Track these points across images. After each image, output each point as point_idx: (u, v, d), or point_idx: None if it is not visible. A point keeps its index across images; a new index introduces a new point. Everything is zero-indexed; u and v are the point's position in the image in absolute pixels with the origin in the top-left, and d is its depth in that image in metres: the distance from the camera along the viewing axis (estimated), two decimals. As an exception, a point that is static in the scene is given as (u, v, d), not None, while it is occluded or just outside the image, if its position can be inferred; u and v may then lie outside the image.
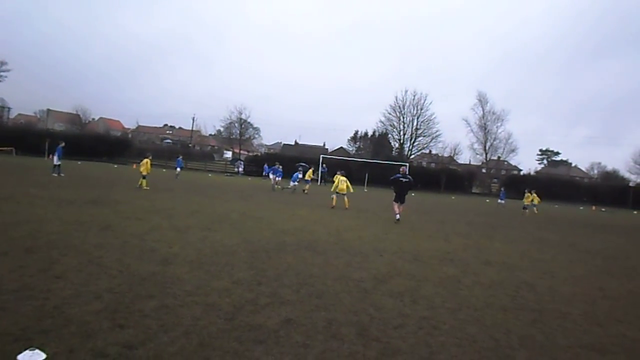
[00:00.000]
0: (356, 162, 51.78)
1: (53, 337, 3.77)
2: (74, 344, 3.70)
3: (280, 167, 29.99)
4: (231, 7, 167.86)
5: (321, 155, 47.73)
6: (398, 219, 15.41)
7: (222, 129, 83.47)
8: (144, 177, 20.56)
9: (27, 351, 3.40)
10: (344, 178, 20.10)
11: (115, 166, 40.89)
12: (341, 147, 78.96)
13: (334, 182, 20.41)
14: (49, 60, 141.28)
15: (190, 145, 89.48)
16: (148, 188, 19.87)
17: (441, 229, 14.70)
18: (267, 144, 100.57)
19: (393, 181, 16.23)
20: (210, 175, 46.21)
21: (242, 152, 77.15)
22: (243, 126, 77.60)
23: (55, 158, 23.28)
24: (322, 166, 44.95)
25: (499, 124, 67.15)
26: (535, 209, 30.32)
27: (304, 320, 4.78)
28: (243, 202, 18.31)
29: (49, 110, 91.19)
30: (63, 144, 24.41)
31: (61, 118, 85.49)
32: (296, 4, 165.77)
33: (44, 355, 3.38)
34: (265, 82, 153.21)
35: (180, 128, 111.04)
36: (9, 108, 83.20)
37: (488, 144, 67.43)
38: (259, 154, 73.18)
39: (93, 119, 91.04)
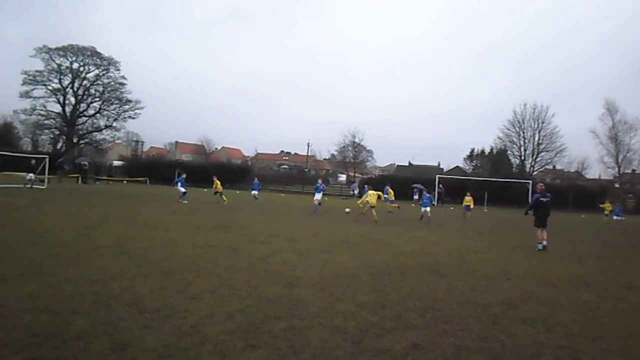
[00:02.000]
0: (474, 181, 50.04)
1: (192, 355, 3.98)
2: (212, 362, 3.88)
3: (322, 183, 27.93)
4: (348, 34, 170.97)
5: (437, 176, 46.72)
6: (544, 247, 12.92)
7: (336, 153, 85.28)
8: (219, 194, 26.23)
9: (171, 368, 3.60)
10: (373, 192, 21.10)
11: (238, 192, 42.95)
12: (457, 166, 77.11)
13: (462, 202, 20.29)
14: (176, 96, 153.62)
15: (305, 169, 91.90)
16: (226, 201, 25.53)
17: (572, 250, 13.67)
18: (381, 165, 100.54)
19: (535, 203, 13.69)
20: (326, 198, 47.02)
21: (356, 174, 77.79)
22: (356, 149, 78.50)
23: (180, 187, 25.23)
24: (438, 186, 43.98)
25: (632, 134, 61.11)
26: (611, 219, 27.11)
27: (431, 345, 4.63)
28: (360, 224, 18.34)
29: (177, 142, 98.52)
30: (184, 175, 26.57)
31: (188, 149, 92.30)
32: (409, 25, 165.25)
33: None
34: (379, 104, 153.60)
35: (295, 154, 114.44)
36: (142, 142, 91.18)
37: (620, 156, 61.69)
38: (373, 176, 73.23)
39: (216, 148, 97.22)
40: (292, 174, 79.20)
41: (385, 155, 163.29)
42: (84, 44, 63.01)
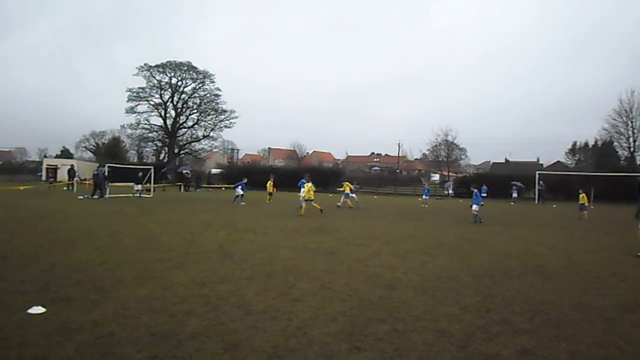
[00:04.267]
0: (578, 176, 47.08)
1: (299, 356, 4.09)
2: (319, 364, 3.95)
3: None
4: (441, 33, 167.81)
5: (537, 172, 44.38)
6: None
7: (427, 153, 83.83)
8: (270, 194, 27.96)
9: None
10: (309, 184, 21.36)
11: (330, 195, 43.44)
12: (558, 161, 73.45)
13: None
14: (269, 103, 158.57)
15: (397, 170, 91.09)
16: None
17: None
18: (475, 164, 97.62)
19: None
20: (419, 199, 46.38)
21: (450, 174, 76.05)
22: (449, 148, 76.80)
23: (239, 190, 26.69)
24: (539, 183, 41.85)
25: None
26: None
27: (542, 351, 4.43)
28: (457, 225, 17.88)
29: (270, 148, 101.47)
30: (245, 180, 28.01)
31: (280, 155, 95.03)
32: (508, 20, 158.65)
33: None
34: (472, 101, 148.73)
35: (386, 155, 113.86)
36: (237, 150, 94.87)
37: None
38: (467, 174, 71.16)
39: (307, 153, 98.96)
40: (383, 176, 78.87)
41: (480, 152, 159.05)
42: (181, 59, 66.76)
